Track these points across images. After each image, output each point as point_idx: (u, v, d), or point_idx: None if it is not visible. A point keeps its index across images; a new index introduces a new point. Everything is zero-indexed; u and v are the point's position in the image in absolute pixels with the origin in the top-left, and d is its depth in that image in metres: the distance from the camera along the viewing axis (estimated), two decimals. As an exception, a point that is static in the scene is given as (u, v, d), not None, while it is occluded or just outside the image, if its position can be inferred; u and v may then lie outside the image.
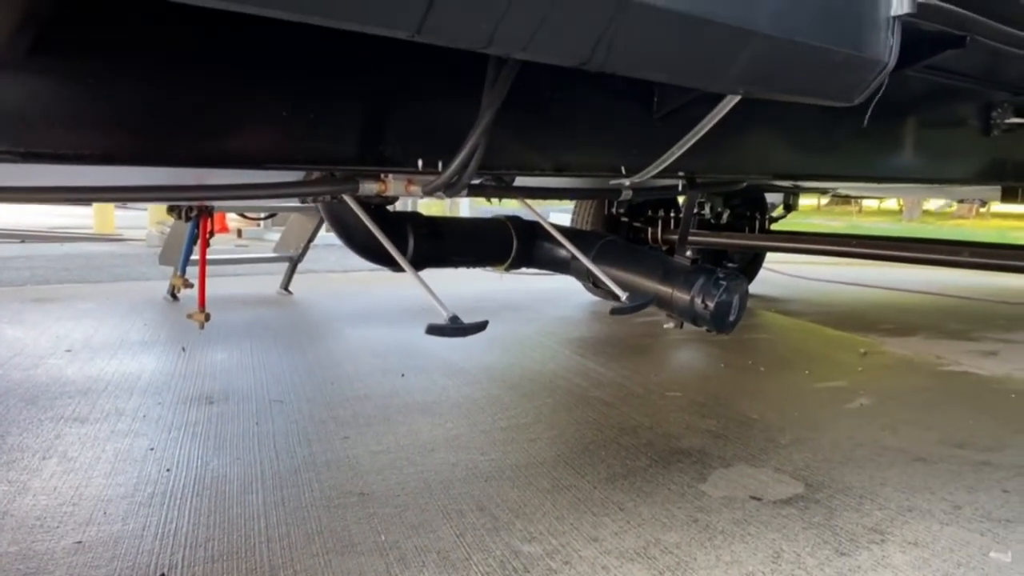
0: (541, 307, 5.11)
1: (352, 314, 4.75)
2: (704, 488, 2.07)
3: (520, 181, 1.86)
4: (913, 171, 2.63)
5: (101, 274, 6.36)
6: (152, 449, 2.28)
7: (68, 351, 3.51)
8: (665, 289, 1.97)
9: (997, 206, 18.22)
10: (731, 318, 1.93)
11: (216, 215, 9.63)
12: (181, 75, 1.22)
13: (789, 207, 5.54)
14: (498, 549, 1.70)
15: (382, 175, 1.47)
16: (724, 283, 1.89)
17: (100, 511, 1.85)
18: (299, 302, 5.22)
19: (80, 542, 1.69)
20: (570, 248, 2.03)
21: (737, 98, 1.47)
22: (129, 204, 16.18)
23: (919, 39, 1.79)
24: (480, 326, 1.46)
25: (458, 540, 1.74)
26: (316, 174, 1.52)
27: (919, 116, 2.57)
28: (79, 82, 1.15)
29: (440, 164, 1.42)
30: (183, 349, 3.61)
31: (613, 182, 1.84)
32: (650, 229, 5.00)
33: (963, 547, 1.75)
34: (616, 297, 1.91)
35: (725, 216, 5.24)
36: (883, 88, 1.97)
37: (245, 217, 6.02)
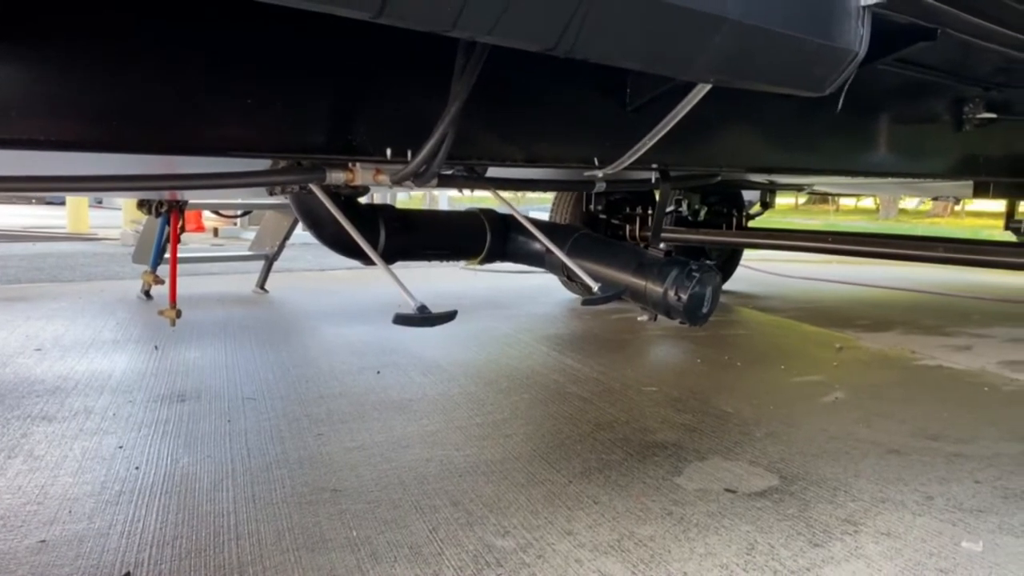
0: (519, 304, 5.10)
1: (328, 312, 4.71)
2: (679, 481, 2.06)
3: (492, 172, 1.85)
4: (886, 166, 2.65)
5: (74, 273, 6.27)
6: (121, 447, 2.24)
7: (38, 350, 3.45)
8: (639, 282, 1.96)
9: (971, 205, 18.46)
10: (704, 310, 1.92)
11: (193, 213, 9.56)
12: (142, 61, 1.19)
13: (766, 204, 5.56)
14: (471, 544, 1.69)
15: (350, 164, 1.45)
16: (697, 275, 1.88)
17: (65, 510, 1.81)
18: (275, 300, 5.17)
19: (44, 541, 1.66)
20: (544, 241, 2.02)
21: (707, 87, 1.47)
22: (104, 203, 16.01)
23: (890, 31, 1.80)
24: (448, 316, 1.44)
25: (431, 535, 1.72)
26: (283, 163, 1.49)
27: (892, 111, 2.59)
28: (36, 68, 1.13)
29: (409, 153, 1.40)
30: (156, 348, 3.56)
31: (587, 173, 1.83)
32: (628, 226, 5.01)
33: (935, 537, 1.76)
34: (590, 290, 1.90)
35: (702, 213, 5.25)
36: (850, 78, 1.97)
37: (221, 215, 5.96)
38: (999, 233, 4.50)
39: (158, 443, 2.28)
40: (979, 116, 2.74)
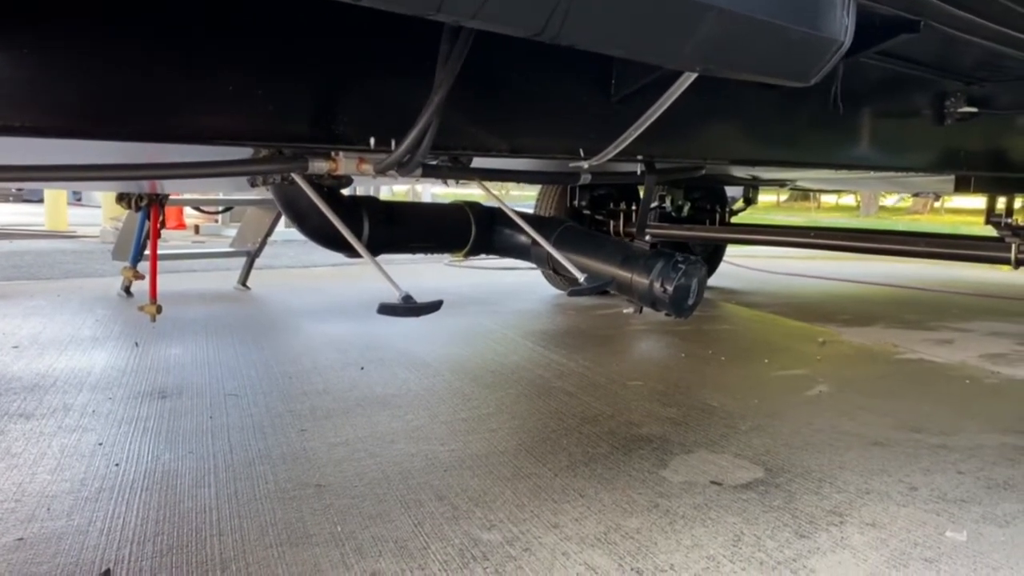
0: (504, 300, 5.09)
1: (311, 309, 4.68)
2: (665, 474, 2.06)
3: (477, 163, 1.84)
4: (869, 159, 2.65)
5: (52, 271, 6.19)
6: (101, 444, 2.21)
7: (15, 347, 3.40)
8: (624, 274, 1.95)
9: (951, 202, 18.65)
10: (689, 302, 1.92)
11: (174, 210, 9.45)
12: (119, 45, 1.17)
13: (749, 201, 5.58)
14: (457, 538, 1.67)
15: (333, 153, 1.43)
16: (683, 267, 1.88)
17: (44, 507, 1.78)
18: (257, 297, 5.13)
19: (22, 539, 1.63)
20: (531, 233, 2.01)
21: (692, 77, 1.46)
22: (83, 201, 15.83)
23: (874, 22, 1.80)
24: (434, 306, 1.43)
25: (416, 529, 1.71)
26: (265, 152, 1.47)
27: (875, 105, 2.60)
28: (8, 53, 1.10)
29: (393, 143, 1.38)
30: (136, 344, 3.52)
31: (572, 164, 1.82)
32: (612, 222, 5.01)
33: (919, 527, 1.76)
34: (576, 281, 1.89)
35: (686, 209, 5.26)
36: (841, 70, 1.97)
37: (202, 211, 5.90)
38: (979, 229, 4.54)
39: (139, 440, 2.25)
40: (960, 110, 2.76)
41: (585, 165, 1.79)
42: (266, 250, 5.53)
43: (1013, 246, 3.45)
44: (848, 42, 1.38)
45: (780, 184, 5.46)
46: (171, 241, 8.73)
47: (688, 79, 1.49)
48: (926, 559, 1.61)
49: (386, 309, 1.37)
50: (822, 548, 1.65)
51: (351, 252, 1.69)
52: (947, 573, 1.56)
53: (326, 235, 1.78)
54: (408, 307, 1.38)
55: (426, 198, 14.06)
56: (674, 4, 1.13)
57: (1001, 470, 2.13)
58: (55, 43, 1.12)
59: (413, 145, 1.34)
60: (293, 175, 1.48)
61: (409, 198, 14.62)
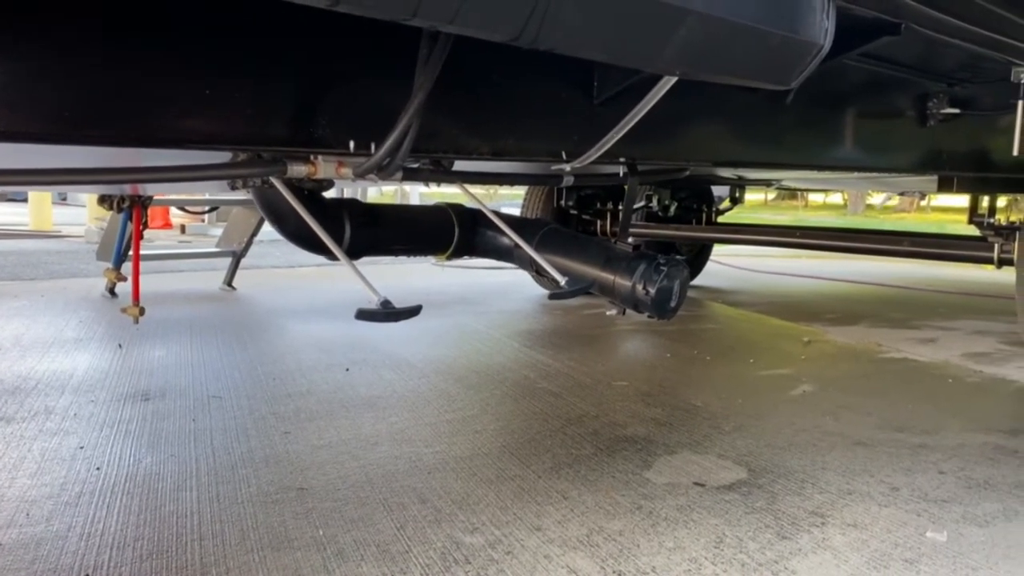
0: (490, 301, 5.08)
1: (297, 309, 4.66)
2: (648, 475, 2.06)
3: (460, 166, 1.83)
4: (853, 160, 2.66)
5: (36, 271, 6.14)
6: (82, 447, 2.19)
7: (-3, 349, 3.37)
8: (607, 276, 1.96)
9: (936, 200, 18.77)
10: (672, 304, 1.92)
11: (160, 210, 9.38)
12: (95, 48, 1.16)
13: (736, 200, 5.60)
14: (439, 541, 1.67)
15: (312, 157, 1.42)
16: (664, 269, 1.88)
17: (22, 512, 1.77)
18: (242, 298, 5.10)
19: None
20: (513, 236, 2.01)
21: (673, 80, 1.46)
22: (68, 200, 15.73)
23: (855, 25, 1.80)
24: (412, 311, 1.42)
25: (398, 533, 1.70)
26: (243, 156, 1.46)
27: (858, 106, 2.61)
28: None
29: (373, 146, 1.38)
30: (119, 346, 3.49)
31: (554, 167, 1.82)
32: (599, 222, 5.02)
33: (900, 527, 1.77)
34: (559, 284, 1.89)
35: (672, 209, 5.27)
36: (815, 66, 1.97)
37: (187, 211, 5.87)
38: (963, 227, 4.57)
39: (120, 443, 2.24)
40: (943, 111, 2.77)
41: (567, 168, 1.79)
42: (252, 250, 5.51)
43: (996, 246, 3.47)
44: (828, 45, 1.38)
45: (766, 183, 5.48)
46: (157, 241, 8.68)
47: (669, 82, 1.49)
48: (906, 560, 1.62)
49: (365, 315, 1.36)
50: (803, 549, 1.66)
51: (332, 255, 1.68)
52: (927, 574, 1.57)
53: (306, 238, 1.78)
54: (387, 312, 1.37)
55: (414, 198, 14.04)
56: (652, 8, 1.13)
57: (982, 469, 2.14)
58: (29, 46, 1.11)
59: (393, 148, 1.34)
60: (272, 179, 1.47)
61: (396, 199, 14.59)
